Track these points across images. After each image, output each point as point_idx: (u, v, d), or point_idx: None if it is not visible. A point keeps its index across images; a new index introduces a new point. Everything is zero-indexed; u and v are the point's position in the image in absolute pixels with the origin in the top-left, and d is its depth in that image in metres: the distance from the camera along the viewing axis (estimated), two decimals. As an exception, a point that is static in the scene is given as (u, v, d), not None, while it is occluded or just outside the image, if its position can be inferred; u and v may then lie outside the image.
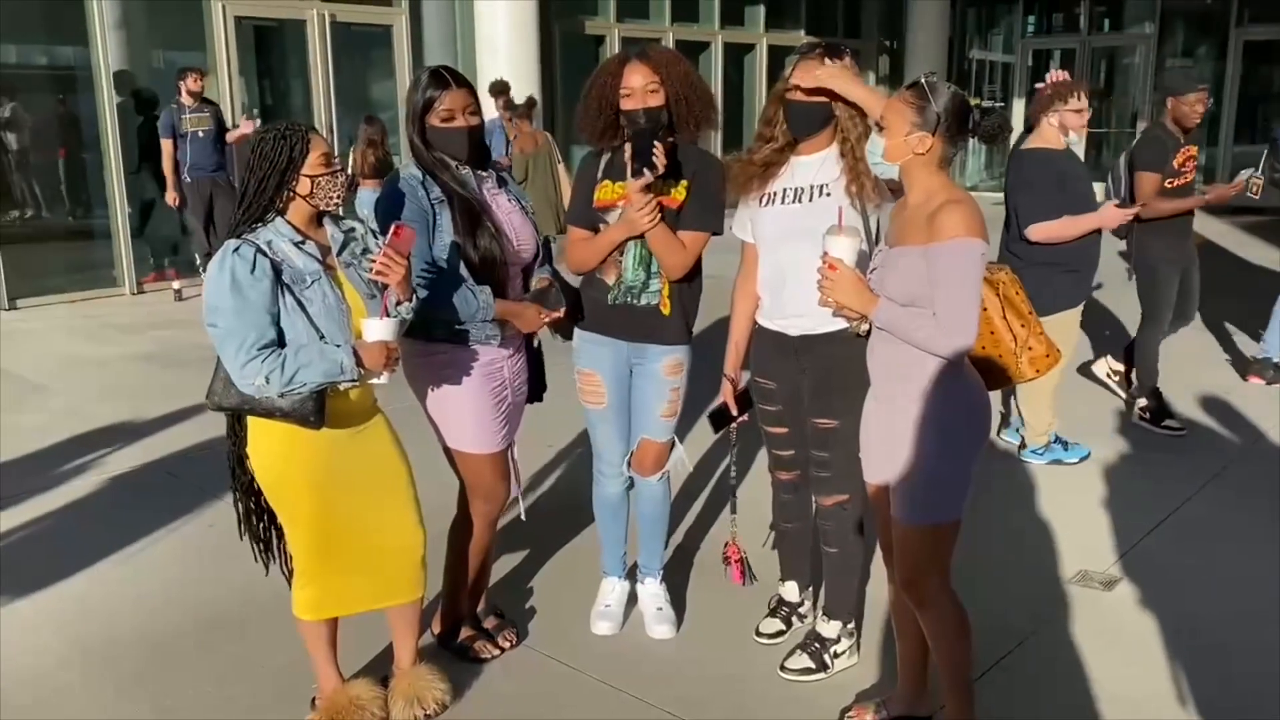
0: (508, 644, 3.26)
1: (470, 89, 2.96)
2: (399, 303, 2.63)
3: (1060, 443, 4.84)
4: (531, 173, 8.27)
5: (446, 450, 3.09)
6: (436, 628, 3.28)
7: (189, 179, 8.58)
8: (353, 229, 2.70)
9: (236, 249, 2.47)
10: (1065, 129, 4.45)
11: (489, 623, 3.31)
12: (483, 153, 3.04)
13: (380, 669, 3.03)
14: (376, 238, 2.73)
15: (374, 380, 2.58)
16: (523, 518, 3.42)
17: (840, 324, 2.75)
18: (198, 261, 9.15)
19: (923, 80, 2.45)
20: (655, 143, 2.86)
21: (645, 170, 2.85)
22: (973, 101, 2.45)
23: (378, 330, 2.53)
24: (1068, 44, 16.85)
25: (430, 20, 11.32)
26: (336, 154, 2.64)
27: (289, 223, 2.56)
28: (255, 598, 3.54)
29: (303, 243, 2.56)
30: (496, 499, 3.13)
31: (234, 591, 3.62)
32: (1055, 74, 4.50)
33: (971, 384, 2.51)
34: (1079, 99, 4.38)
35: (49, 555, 3.99)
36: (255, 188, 2.54)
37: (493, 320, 2.93)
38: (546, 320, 3.03)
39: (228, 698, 3.06)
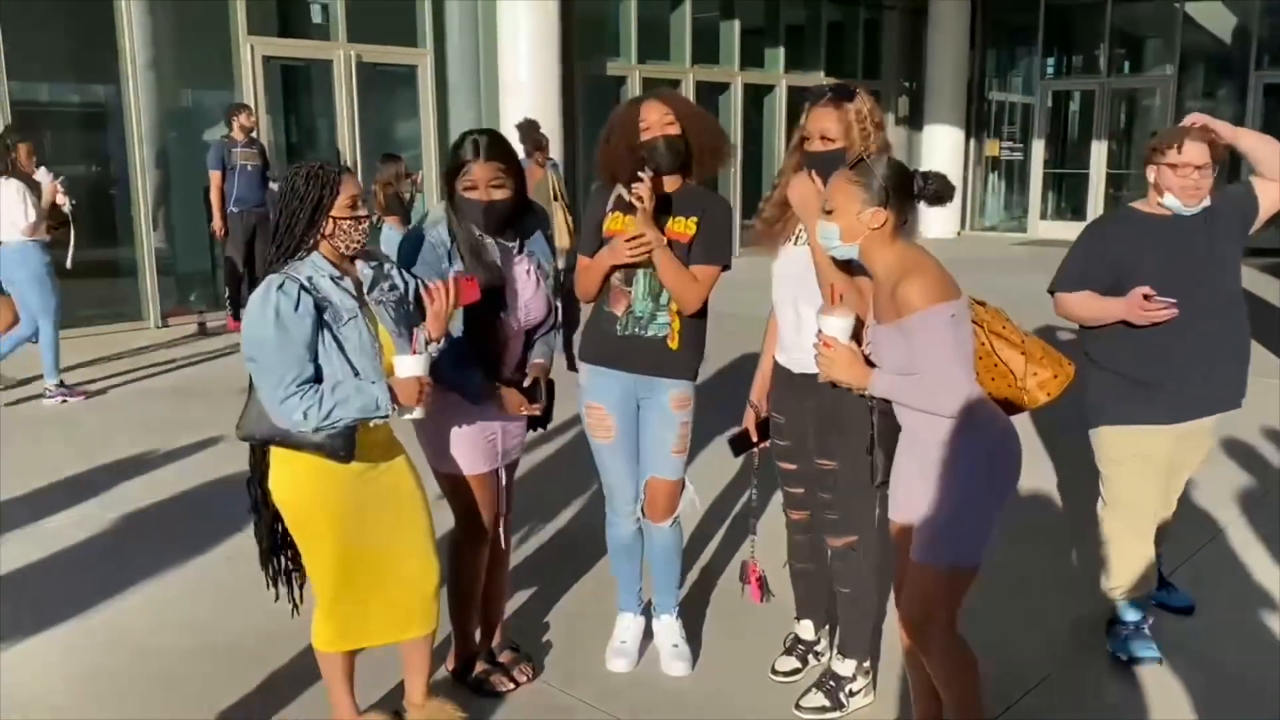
0: (524, 678, 3.26)
1: (500, 161, 2.93)
2: (429, 341, 2.67)
3: (1135, 627, 3.43)
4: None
5: (437, 473, 3.11)
6: (451, 664, 3.29)
7: (235, 210, 8.81)
8: (381, 265, 2.74)
9: (281, 285, 2.50)
10: (1160, 189, 3.24)
11: (504, 657, 3.31)
12: (508, 222, 3.02)
13: (392, 704, 3.04)
14: (402, 274, 2.78)
15: (409, 415, 2.62)
16: (502, 545, 3.37)
17: None
18: (226, 295, 9.29)
19: (864, 157, 2.50)
20: (640, 175, 2.95)
21: (633, 203, 2.96)
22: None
23: (410, 366, 2.57)
24: (1087, 86, 16.92)
25: (454, 61, 11.50)
26: (364, 194, 2.67)
27: (326, 259, 2.60)
28: (272, 630, 3.55)
29: (340, 279, 2.60)
30: (485, 521, 3.14)
31: (251, 624, 3.64)
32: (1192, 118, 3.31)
33: (996, 429, 2.52)
34: (1178, 151, 3.19)
35: (69, 585, 4.02)
36: (286, 224, 2.58)
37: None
38: (525, 412, 3.07)
39: (244, 729, 3.07)
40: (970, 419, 2.44)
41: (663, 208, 3.06)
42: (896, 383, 2.49)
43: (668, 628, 3.41)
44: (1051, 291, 3.41)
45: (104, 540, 4.51)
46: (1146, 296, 3.10)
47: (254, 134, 9.07)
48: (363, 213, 2.61)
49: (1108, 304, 3.24)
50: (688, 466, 3.28)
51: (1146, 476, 3.33)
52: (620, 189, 3.09)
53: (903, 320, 2.41)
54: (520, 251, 3.08)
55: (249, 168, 8.85)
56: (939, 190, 2.48)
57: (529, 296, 3.07)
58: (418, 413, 2.61)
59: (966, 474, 2.47)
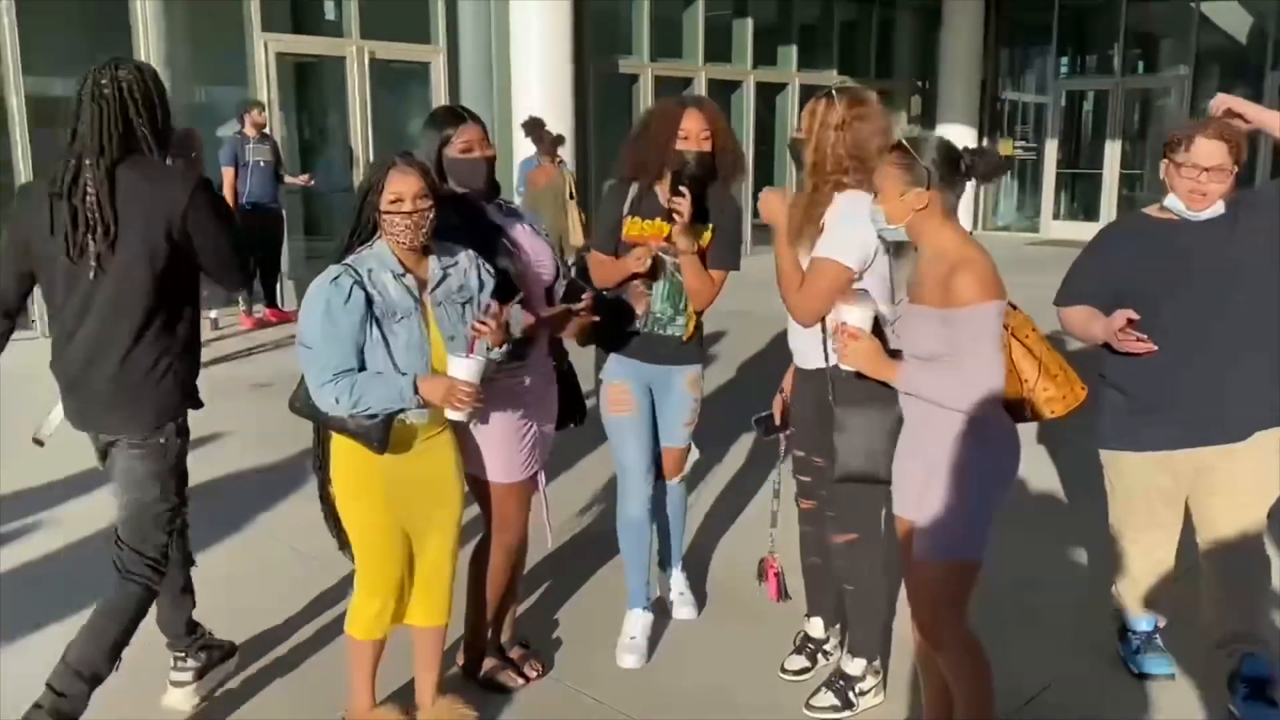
0: (534, 674, 3.27)
1: (482, 124, 3.07)
2: (489, 347, 2.68)
3: (1141, 639, 3.34)
4: (548, 207, 8.29)
5: (471, 478, 3.13)
6: (461, 659, 3.30)
7: (247, 206, 8.86)
8: (454, 264, 2.73)
9: (336, 278, 2.55)
10: (1167, 188, 2.97)
11: (515, 653, 3.32)
12: (494, 185, 3.13)
13: (403, 700, 3.04)
14: (480, 274, 2.79)
15: (452, 416, 2.63)
16: (549, 546, 3.43)
17: (824, 363, 2.89)
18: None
19: (903, 139, 2.49)
20: (681, 190, 3.09)
21: (673, 213, 3.12)
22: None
23: (458, 369, 2.59)
24: (1101, 85, 16.85)
25: (467, 58, 11.51)
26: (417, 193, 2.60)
27: (393, 252, 2.63)
28: (282, 624, 3.57)
29: (402, 275, 2.62)
30: (516, 529, 3.17)
31: (260, 618, 3.65)
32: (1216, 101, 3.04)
33: (1000, 428, 2.52)
34: (1186, 149, 2.88)
35: (86, 577, 4.02)
36: (353, 216, 2.65)
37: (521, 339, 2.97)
38: (581, 315, 3.04)
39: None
40: (979, 416, 2.44)
41: (699, 217, 3.19)
42: (926, 378, 2.46)
43: (674, 576, 3.76)
44: (1056, 306, 3.21)
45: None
46: (1131, 321, 2.84)
47: (267, 130, 9.12)
48: (408, 208, 2.57)
49: (1092, 325, 2.99)
50: (701, 459, 3.50)
51: (1151, 502, 3.17)
52: (635, 189, 3.27)
53: (950, 310, 2.39)
54: (507, 215, 3.13)
55: (261, 164, 8.92)
56: (988, 169, 2.46)
57: (533, 246, 3.10)
58: (455, 415, 2.62)
59: (969, 472, 2.47)
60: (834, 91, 2.95)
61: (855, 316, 2.54)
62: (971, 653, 2.58)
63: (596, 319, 3.11)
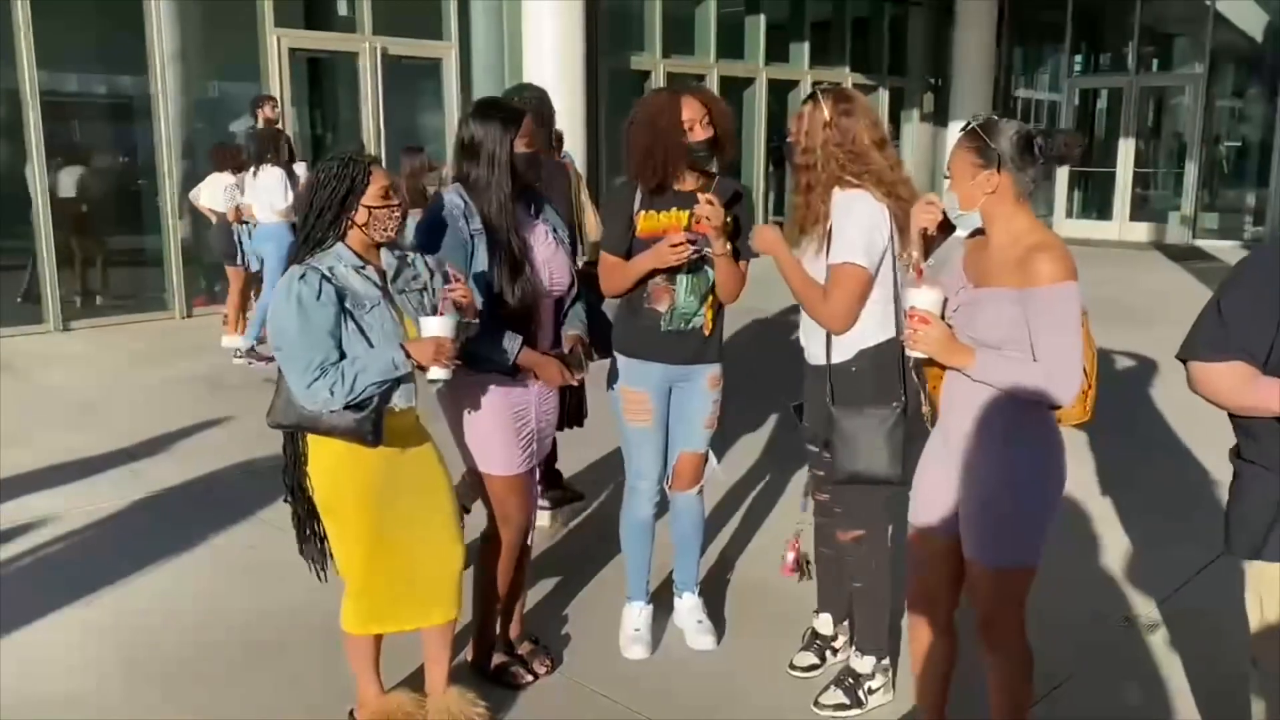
0: (543, 670, 3.27)
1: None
2: (466, 321, 2.71)
3: None
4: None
5: (473, 473, 3.13)
6: (470, 654, 3.30)
7: None
8: (405, 255, 2.77)
9: (302, 275, 2.56)
10: None
11: (524, 649, 3.32)
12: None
13: (412, 688, 3.04)
14: (426, 263, 2.82)
15: (433, 376, 2.65)
16: (529, 541, 3.38)
17: (834, 358, 2.94)
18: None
19: (974, 123, 2.46)
20: (711, 200, 3.01)
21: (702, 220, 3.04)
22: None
23: (433, 327, 2.61)
24: (1115, 83, 16.76)
25: (479, 55, 11.52)
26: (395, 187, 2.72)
27: (350, 249, 2.65)
28: (292, 619, 3.58)
29: (363, 268, 2.65)
30: (518, 523, 3.17)
31: (270, 612, 3.66)
32: None
33: (1055, 424, 2.47)
34: None
35: (92, 571, 4.05)
36: (315, 214, 2.63)
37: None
38: (565, 381, 3.10)
39: (265, 717, 3.09)
40: (1042, 409, 2.40)
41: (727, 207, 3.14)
42: (1005, 365, 2.37)
43: (690, 605, 3.53)
44: (1184, 359, 2.20)
45: (128, 527, 4.56)
46: None
47: (279, 126, 9.12)
48: (395, 201, 2.65)
49: (1254, 390, 2.10)
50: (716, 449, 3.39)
51: None
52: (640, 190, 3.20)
53: (1029, 289, 2.32)
54: (534, 216, 3.14)
55: None
56: (1060, 152, 2.40)
57: (552, 259, 3.10)
58: (440, 373, 2.63)
59: (1031, 469, 2.44)
60: (818, 93, 2.98)
61: (924, 300, 2.46)
62: (1024, 656, 2.54)
63: (576, 383, 3.15)
